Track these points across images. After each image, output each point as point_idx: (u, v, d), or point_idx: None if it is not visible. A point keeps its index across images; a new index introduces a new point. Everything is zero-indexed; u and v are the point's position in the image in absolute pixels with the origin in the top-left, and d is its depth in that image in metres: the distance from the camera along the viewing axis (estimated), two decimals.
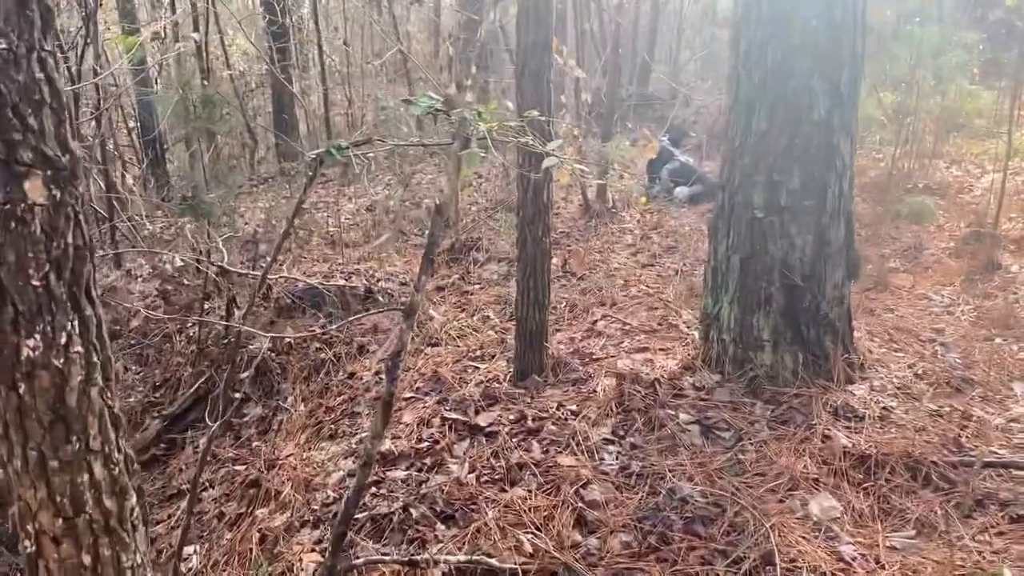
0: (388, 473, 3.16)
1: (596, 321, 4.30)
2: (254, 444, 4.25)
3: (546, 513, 2.68)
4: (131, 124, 10.04)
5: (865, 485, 2.65)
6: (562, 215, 7.04)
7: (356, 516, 2.89)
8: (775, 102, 2.97)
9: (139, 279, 6.66)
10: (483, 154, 2.57)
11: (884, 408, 3.07)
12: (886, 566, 2.32)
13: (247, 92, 12.36)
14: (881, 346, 3.62)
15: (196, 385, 5.02)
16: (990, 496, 2.56)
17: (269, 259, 2.86)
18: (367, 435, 3.61)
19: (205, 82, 9.63)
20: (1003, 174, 5.04)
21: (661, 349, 3.70)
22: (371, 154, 2.76)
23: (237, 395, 4.84)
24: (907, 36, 7.35)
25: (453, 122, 2.60)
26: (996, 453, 2.81)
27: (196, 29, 10.25)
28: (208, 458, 4.45)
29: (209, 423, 4.84)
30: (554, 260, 5.71)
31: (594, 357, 3.72)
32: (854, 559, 2.36)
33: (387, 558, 2.59)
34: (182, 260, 4.74)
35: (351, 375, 4.45)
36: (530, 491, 2.81)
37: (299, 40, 13.02)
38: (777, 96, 2.97)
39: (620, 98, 9.47)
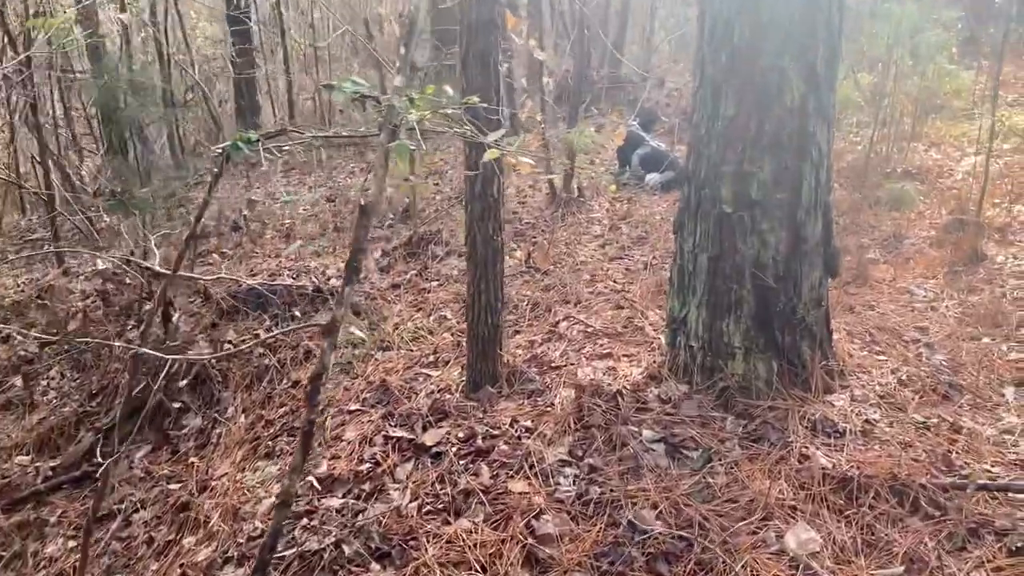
0: (323, 501, 2.85)
1: (558, 322, 4.00)
2: (191, 460, 3.93)
3: (493, 550, 2.39)
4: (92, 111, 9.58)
5: (847, 513, 2.38)
6: (528, 204, 6.73)
7: (283, 553, 2.58)
8: (744, 85, 2.67)
9: (81, 277, 6.30)
10: (413, 146, 2.26)
11: (866, 421, 2.80)
12: None
13: (211, 77, 11.91)
14: (862, 348, 3.35)
15: (133, 394, 4.67)
16: (985, 524, 2.29)
17: (190, 260, 2.54)
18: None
19: (160, 68, 9.20)
20: (986, 157, 4.79)
21: (625, 355, 3.41)
22: (286, 147, 2.43)
23: (175, 405, 4.52)
24: (885, 14, 7.09)
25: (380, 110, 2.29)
26: (989, 472, 2.55)
27: (153, 13, 9.80)
28: (143, 475, 4.14)
29: (143, 436, 4.52)
30: (518, 254, 5.42)
31: (553, 365, 3.42)
32: None
33: None
34: (106, 262, 4.38)
35: (295, 383, 4.13)
36: (476, 523, 2.52)
37: (262, 23, 12.58)
38: (746, 78, 2.66)
39: (591, 81, 9.16)
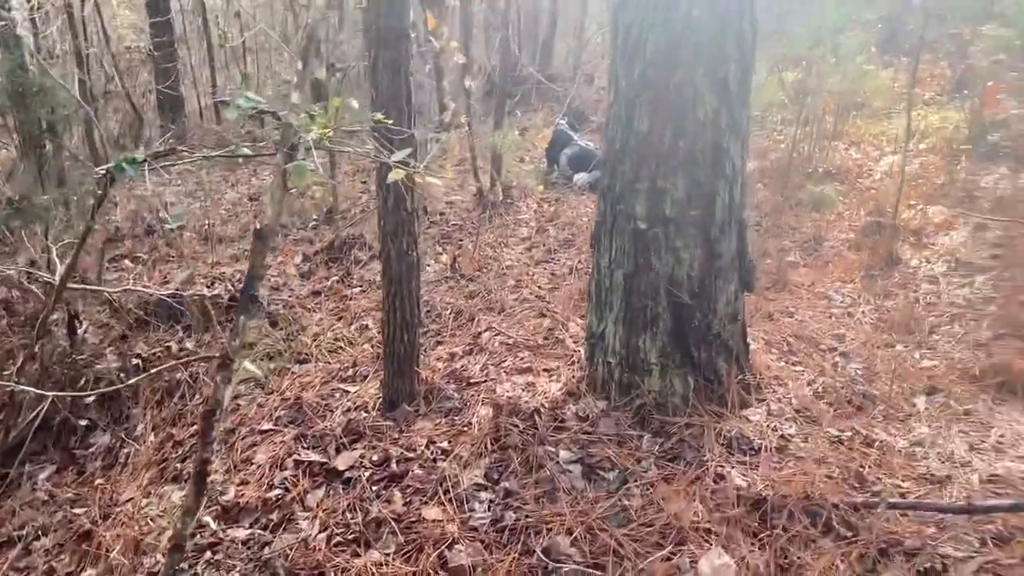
0: (229, 531, 2.73)
1: (480, 333, 3.93)
2: (96, 481, 3.74)
3: None
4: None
5: (761, 535, 2.37)
6: (456, 206, 6.63)
7: None
8: (657, 99, 2.63)
9: None
10: (312, 167, 2.15)
11: (782, 436, 2.80)
12: None
13: (133, 67, 11.43)
14: (780, 359, 3.37)
15: (37, 411, 4.44)
16: (895, 544, 2.30)
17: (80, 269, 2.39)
18: (212, 478, 3.17)
19: (77, 59, 8.77)
20: (902, 160, 4.88)
21: (545, 370, 3.35)
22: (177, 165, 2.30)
23: (82, 422, 4.31)
24: (807, 14, 7.19)
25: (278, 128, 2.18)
26: (900, 487, 2.58)
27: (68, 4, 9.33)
28: (46, 498, 3.93)
29: (48, 455, 4.29)
30: (443, 258, 5.33)
31: (472, 380, 3.34)
32: None
33: None
34: (7, 270, 4.14)
35: (205, 400, 3.96)
36: (388, 555, 2.44)
37: (184, 11, 12.15)
38: (659, 93, 2.62)
39: (520, 80, 9.08)
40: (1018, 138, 6.35)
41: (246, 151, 2.27)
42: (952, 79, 8.16)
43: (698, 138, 2.64)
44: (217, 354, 2.13)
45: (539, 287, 4.70)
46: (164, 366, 3.80)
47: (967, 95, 7.10)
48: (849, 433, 2.84)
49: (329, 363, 3.96)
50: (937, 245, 4.63)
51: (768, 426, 2.83)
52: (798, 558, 2.28)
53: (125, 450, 3.90)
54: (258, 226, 2.10)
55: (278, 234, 5.86)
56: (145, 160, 2.14)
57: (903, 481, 2.61)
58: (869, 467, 2.66)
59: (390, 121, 2.38)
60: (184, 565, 2.54)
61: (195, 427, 3.76)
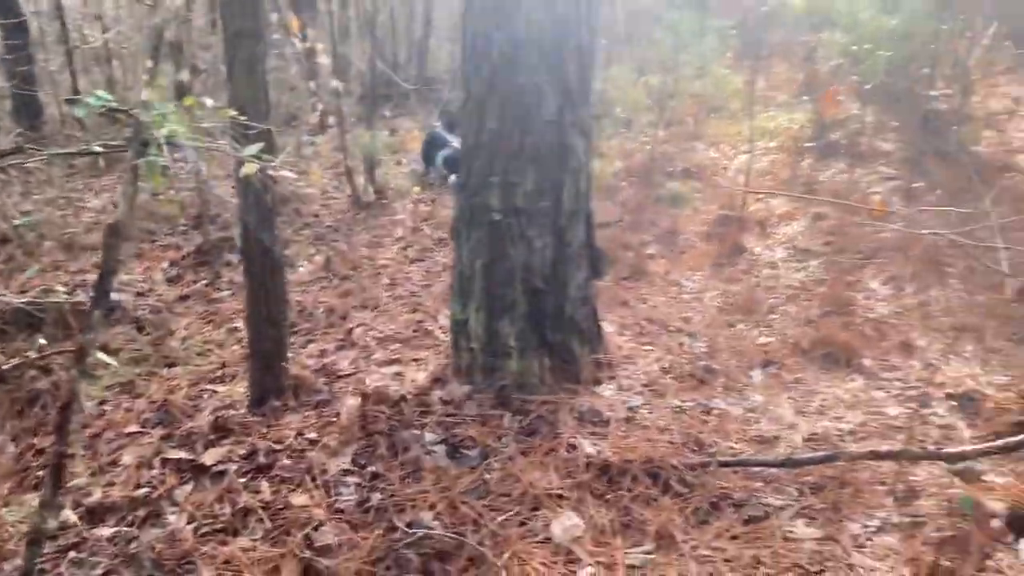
0: (93, 531, 2.72)
1: (352, 329, 4.01)
2: None
3: (271, 566, 2.38)
4: None
5: (607, 497, 2.57)
6: (331, 207, 6.65)
7: None
8: (505, 99, 2.81)
9: None
10: (165, 162, 2.20)
11: (630, 409, 3.03)
12: None
13: None
14: (631, 340, 3.61)
15: None
16: (725, 497, 2.56)
17: None
18: (76, 482, 3.14)
19: None
20: (749, 158, 5.27)
21: (414, 359, 3.48)
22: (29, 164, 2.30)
23: None
24: (669, 21, 7.61)
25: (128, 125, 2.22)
26: (733, 449, 2.84)
27: None
28: None
29: None
30: (317, 258, 5.36)
31: (342, 374, 3.43)
32: None
33: None
34: None
35: (64, 392, 3.88)
36: (255, 540, 2.50)
37: (40, 12, 11.56)
38: (506, 93, 2.80)
39: (394, 83, 9.13)
40: (853, 136, 6.93)
41: (96, 148, 2.30)
42: (801, 83, 8.79)
43: (544, 135, 2.83)
44: (72, 347, 2.15)
45: (413, 284, 4.81)
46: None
47: (810, 98, 7.66)
48: (691, 403, 3.11)
49: (198, 365, 3.95)
50: (779, 234, 5.03)
51: (618, 400, 3.06)
52: (640, 515, 2.49)
53: None
54: (109, 224, 2.14)
55: (132, 230, 5.74)
56: None
57: (737, 443, 2.89)
58: (707, 432, 2.92)
59: (243, 117, 2.45)
60: (47, 566, 2.53)
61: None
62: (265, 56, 2.91)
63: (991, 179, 5.44)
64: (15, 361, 3.95)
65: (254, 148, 2.31)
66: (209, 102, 2.63)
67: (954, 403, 3.07)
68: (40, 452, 3.62)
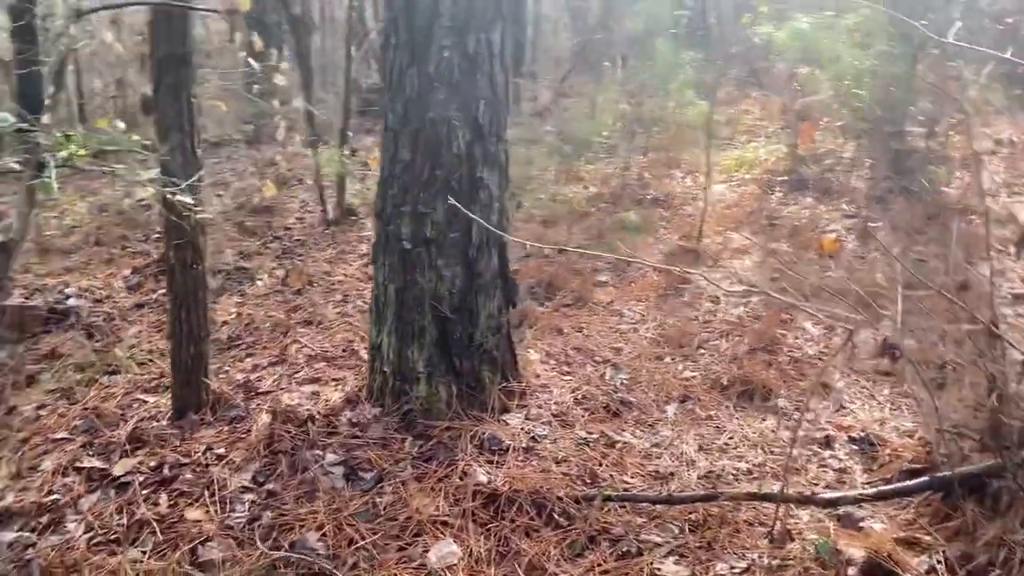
0: None
1: (288, 345, 4.09)
2: None
3: None
4: None
5: (490, 526, 2.63)
6: (306, 222, 6.76)
7: None
8: (417, 132, 2.89)
9: None
10: (59, 184, 2.29)
11: (533, 438, 3.09)
12: None
13: None
14: (553, 369, 3.67)
15: None
16: (604, 531, 2.60)
17: None
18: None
19: None
20: (705, 190, 5.33)
21: (334, 379, 3.55)
22: None
23: None
24: (651, 49, 7.70)
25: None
26: (627, 483, 2.89)
27: None
28: None
29: None
30: (277, 272, 5.46)
31: (261, 391, 3.51)
32: None
33: None
34: None
35: (11, 410, 3.97)
36: (144, 552, 2.57)
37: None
38: (418, 126, 2.88)
39: (371, 102, 9.22)
40: (825, 172, 6.98)
41: None
42: (786, 114, 8.85)
43: (454, 168, 2.91)
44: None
45: (364, 302, 4.88)
46: None
47: (790, 131, 7.71)
48: (596, 435, 3.16)
49: (138, 374, 4.03)
50: (729, 269, 5.07)
51: (522, 430, 3.11)
52: (517, 546, 2.54)
53: None
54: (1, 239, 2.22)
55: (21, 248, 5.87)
56: None
57: (632, 477, 2.93)
58: (605, 465, 2.97)
59: (142, 143, 2.54)
60: None
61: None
62: (192, 82, 3.00)
63: (950, 221, 5.48)
64: None
65: (151, 172, 2.40)
66: (120, 124, 2.73)
67: (855, 447, 3.10)
68: None
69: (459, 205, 2.57)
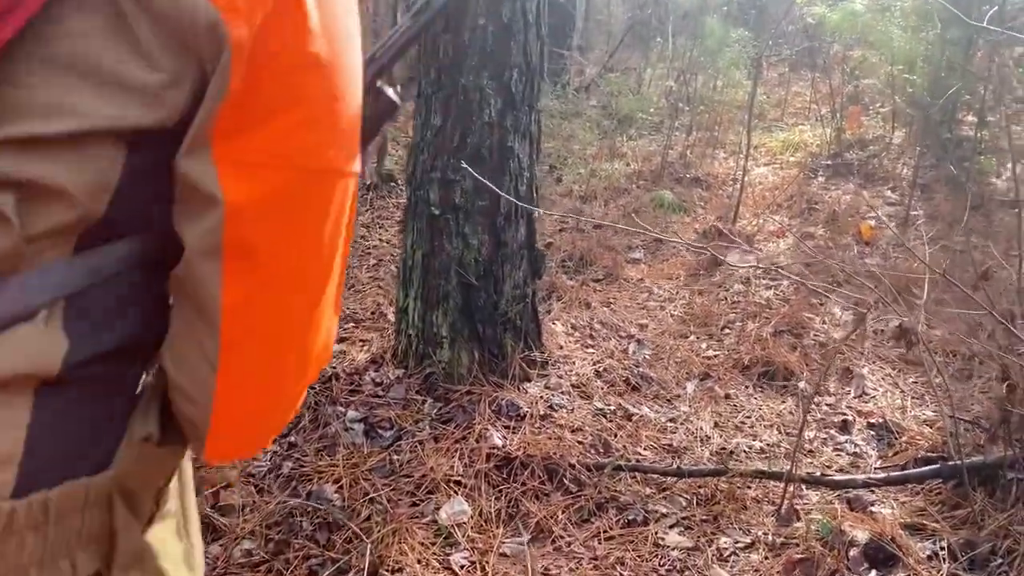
0: None
1: None
2: None
3: None
4: None
5: (502, 487, 2.69)
6: None
7: None
8: (448, 99, 2.93)
9: None
10: None
11: (550, 407, 3.14)
12: (490, 575, 2.36)
13: None
14: (577, 342, 3.71)
15: None
16: (612, 500, 2.66)
17: None
18: None
19: None
20: (743, 171, 5.29)
21: (362, 340, 3.64)
22: None
23: None
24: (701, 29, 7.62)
25: None
26: (639, 455, 2.93)
27: None
28: None
29: None
30: None
31: None
32: (462, 567, 2.40)
33: None
34: None
35: None
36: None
37: None
38: (450, 93, 2.92)
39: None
40: (870, 157, 6.86)
41: None
42: (838, 98, 8.68)
43: (485, 137, 2.95)
44: None
45: (396, 267, 4.96)
46: None
47: (839, 114, 7.57)
48: (613, 407, 3.20)
49: None
50: (763, 251, 5.04)
51: (541, 398, 3.17)
52: (526, 508, 2.61)
53: None
54: None
55: None
56: None
57: (645, 450, 2.97)
58: (620, 436, 3.01)
59: None
60: None
61: None
62: None
63: (995, 214, 5.37)
64: None
65: None
66: None
67: (872, 432, 3.10)
68: None
69: (477, 175, 2.60)
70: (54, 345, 0.59)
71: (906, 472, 2.57)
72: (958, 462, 2.46)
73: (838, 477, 2.64)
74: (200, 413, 0.67)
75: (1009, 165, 6.46)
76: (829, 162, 6.94)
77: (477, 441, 2.89)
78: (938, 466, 2.56)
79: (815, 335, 3.88)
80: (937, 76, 6.51)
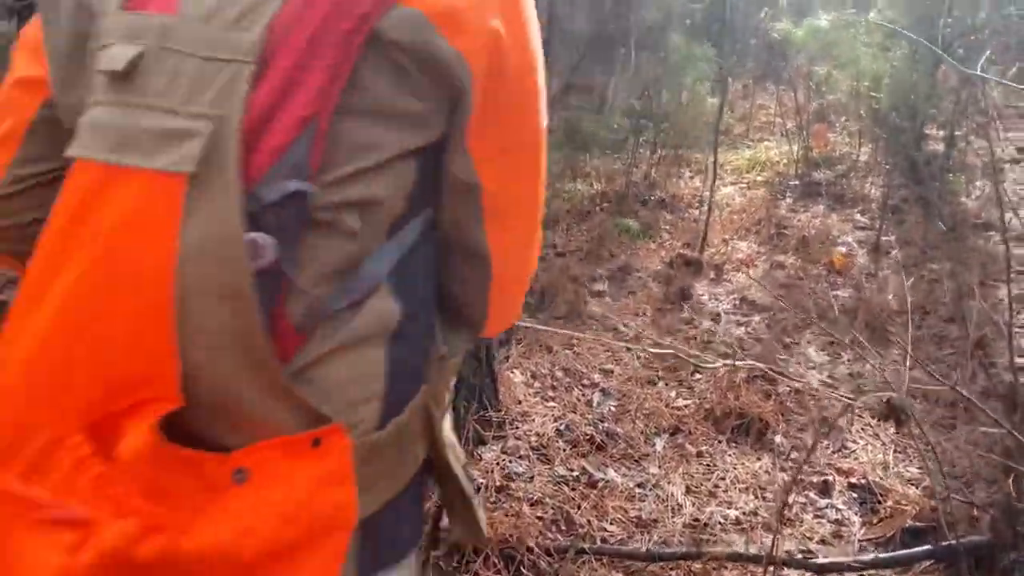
0: None
1: None
2: None
3: None
4: None
5: None
6: None
7: None
8: None
9: None
10: None
11: (507, 476, 2.88)
12: None
13: None
14: (536, 394, 3.46)
15: None
16: None
17: None
18: None
19: None
20: (709, 198, 5.08)
21: None
22: None
23: None
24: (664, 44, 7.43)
25: None
26: (606, 530, 2.68)
27: None
28: None
29: None
30: None
31: None
32: None
33: None
34: None
35: None
36: None
37: None
38: None
39: None
40: (838, 177, 6.71)
41: None
42: (804, 114, 8.55)
43: None
44: None
45: None
46: None
47: (805, 131, 7.42)
48: (577, 472, 2.95)
49: None
50: (732, 282, 4.84)
51: (497, 465, 2.91)
52: None
53: None
54: None
55: None
56: None
57: (612, 524, 2.72)
58: (584, 509, 2.76)
59: None
60: None
61: None
62: None
63: (967, 237, 5.23)
64: None
65: None
66: None
67: (854, 495, 2.89)
68: None
69: None
70: (392, 307, 0.82)
71: (897, 554, 2.35)
72: (953, 542, 2.24)
73: (821, 560, 2.41)
74: (481, 312, 0.98)
75: (978, 183, 6.35)
76: (797, 182, 6.78)
77: (426, 523, 2.62)
78: (930, 547, 2.34)
79: (789, 380, 3.67)
80: (903, 92, 6.38)
